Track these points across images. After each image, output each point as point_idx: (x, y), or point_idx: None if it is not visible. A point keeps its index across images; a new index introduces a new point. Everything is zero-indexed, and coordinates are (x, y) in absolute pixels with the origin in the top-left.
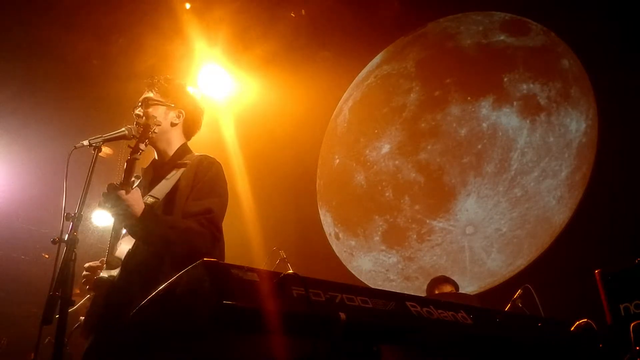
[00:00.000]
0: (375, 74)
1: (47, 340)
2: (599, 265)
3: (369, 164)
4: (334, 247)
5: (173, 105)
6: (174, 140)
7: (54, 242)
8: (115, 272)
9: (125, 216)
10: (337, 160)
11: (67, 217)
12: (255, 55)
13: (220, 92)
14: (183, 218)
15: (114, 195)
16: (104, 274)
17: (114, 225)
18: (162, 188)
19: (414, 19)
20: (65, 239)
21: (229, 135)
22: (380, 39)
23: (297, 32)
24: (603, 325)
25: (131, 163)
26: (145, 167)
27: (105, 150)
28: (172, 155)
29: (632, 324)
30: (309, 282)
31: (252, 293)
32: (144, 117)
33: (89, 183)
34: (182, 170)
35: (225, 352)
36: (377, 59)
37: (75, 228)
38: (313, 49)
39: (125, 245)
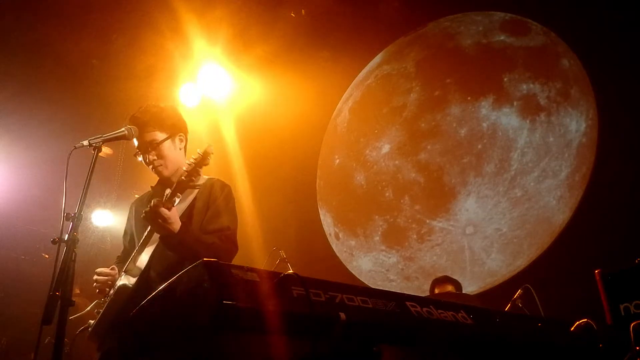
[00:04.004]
0: (375, 74)
1: (47, 340)
2: (599, 265)
3: (369, 164)
4: (334, 247)
5: (174, 132)
6: (183, 162)
7: (54, 242)
8: (134, 280)
9: (164, 230)
10: (337, 160)
11: (67, 217)
12: (255, 55)
13: (220, 92)
14: (202, 234)
15: (158, 211)
16: (124, 281)
17: (144, 236)
18: (177, 207)
19: (414, 19)
20: (65, 239)
21: (229, 135)
22: (380, 39)
23: (297, 32)
24: (603, 325)
25: (184, 186)
26: (154, 185)
27: (105, 150)
28: (183, 177)
29: (632, 324)
30: (309, 282)
31: (252, 293)
32: (161, 160)
33: (89, 183)
34: (196, 191)
35: (225, 352)
36: (377, 59)
37: (75, 228)
38: (313, 49)
39: (145, 256)
